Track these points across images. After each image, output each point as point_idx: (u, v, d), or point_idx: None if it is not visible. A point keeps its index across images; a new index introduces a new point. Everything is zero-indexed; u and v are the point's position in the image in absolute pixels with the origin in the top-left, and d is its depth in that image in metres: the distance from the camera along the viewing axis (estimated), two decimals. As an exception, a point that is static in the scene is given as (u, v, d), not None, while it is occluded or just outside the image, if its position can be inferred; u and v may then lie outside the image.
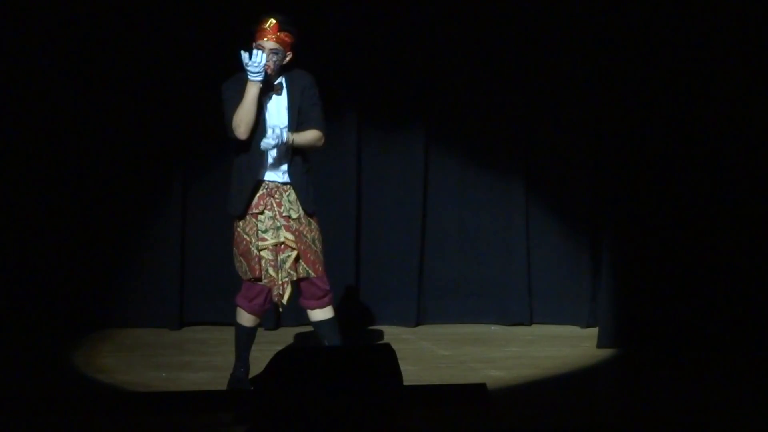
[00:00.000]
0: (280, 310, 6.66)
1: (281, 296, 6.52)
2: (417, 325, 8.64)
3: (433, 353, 7.80)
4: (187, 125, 8.44)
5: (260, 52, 6.36)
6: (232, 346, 6.68)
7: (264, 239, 6.50)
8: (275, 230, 6.51)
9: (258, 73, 6.36)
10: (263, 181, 6.52)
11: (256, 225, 6.51)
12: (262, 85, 6.44)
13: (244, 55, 6.37)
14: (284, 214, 6.51)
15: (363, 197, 8.67)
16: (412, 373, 6.87)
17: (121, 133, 8.46)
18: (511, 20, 8.53)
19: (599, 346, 7.77)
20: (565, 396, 6.71)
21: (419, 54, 8.56)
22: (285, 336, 8.30)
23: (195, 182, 8.51)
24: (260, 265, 6.49)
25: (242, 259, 6.55)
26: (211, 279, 8.43)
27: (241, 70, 6.44)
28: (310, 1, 8.49)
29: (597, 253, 8.22)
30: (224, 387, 6.61)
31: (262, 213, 6.50)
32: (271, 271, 6.50)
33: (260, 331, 8.16)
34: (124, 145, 8.47)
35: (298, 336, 8.25)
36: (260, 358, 6.62)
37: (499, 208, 8.66)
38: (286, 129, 6.44)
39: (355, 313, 8.62)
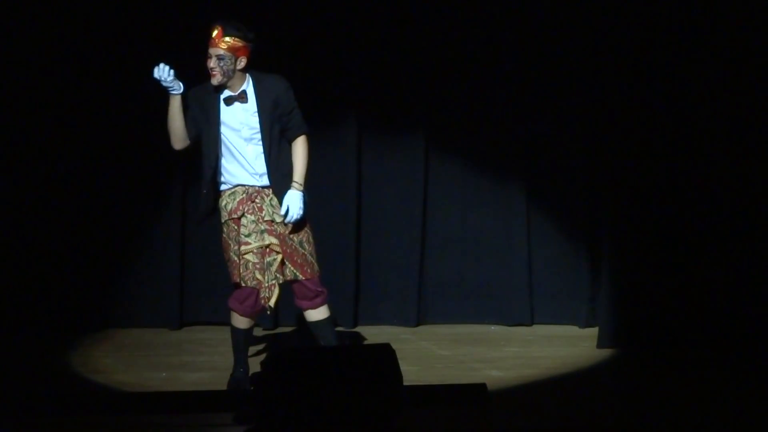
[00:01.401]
0: (268, 312, 6.66)
1: (268, 299, 6.52)
2: (417, 325, 8.64)
3: (433, 353, 7.80)
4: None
5: (165, 66, 6.41)
6: (232, 351, 6.69)
7: (247, 243, 6.49)
8: (259, 234, 6.51)
9: (171, 87, 6.43)
10: (242, 185, 6.54)
11: (237, 230, 6.51)
12: (227, 93, 6.50)
13: (160, 69, 6.42)
14: (266, 219, 6.51)
15: (363, 198, 8.66)
16: (412, 373, 6.86)
17: (121, 133, 8.46)
18: (511, 24, 8.52)
19: (599, 346, 7.77)
20: (565, 396, 6.70)
21: (419, 57, 8.56)
22: (285, 336, 8.30)
23: (195, 182, 8.49)
24: (240, 269, 6.49)
25: (228, 264, 6.57)
26: (211, 279, 8.43)
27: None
28: (310, 5, 8.49)
29: (596, 254, 8.22)
30: (224, 387, 6.61)
31: (243, 217, 6.51)
32: (257, 274, 6.49)
33: (260, 331, 8.20)
34: (124, 145, 8.47)
35: (297, 336, 8.25)
36: (260, 358, 6.62)
37: (499, 209, 8.66)
38: (302, 193, 6.52)
39: (355, 313, 8.63)
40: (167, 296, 8.54)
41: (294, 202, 6.50)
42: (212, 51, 6.48)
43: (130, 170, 8.48)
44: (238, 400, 6.23)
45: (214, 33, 6.48)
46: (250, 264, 6.49)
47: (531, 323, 8.60)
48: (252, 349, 6.70)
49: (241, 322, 6.61)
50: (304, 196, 6.53)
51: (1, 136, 8.31)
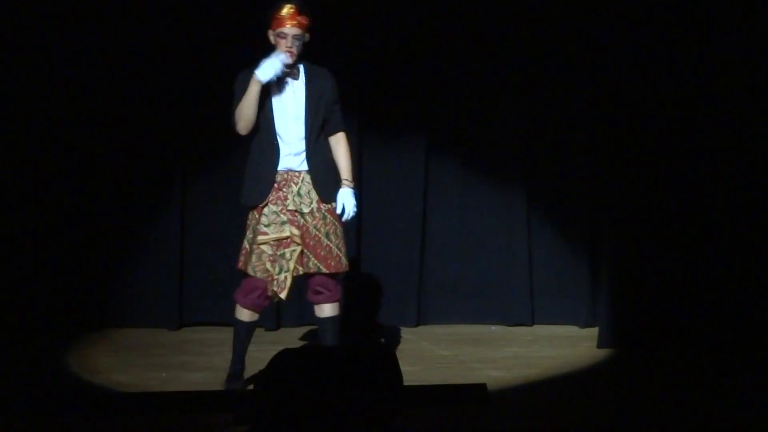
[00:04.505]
0: (275, 300, 6.62)
1: (277, 292, 6.48)
2: (417, 325, 8.63)
3: (433, 353, 7.79)
4: (186, 125, 8.43)
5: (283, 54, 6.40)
6: (231, 346, 6.68)
7: (265, 233, 6.46)
8: (279, 225, 6.47)
9: (269, 72, 6.39)
10: (277, 171, 6.51)
11: (258, 219, 6.49)
12: (282, 72, 6.48)
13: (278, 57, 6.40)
14: (290, 209, 6.48)
15: (363, 198, 8.63)
16: (412, 373, 6.86)
17: (120, 132, 8.44)
18: (513, 26, 8.51)
19: (599, 346, 7.77)
20: (565, 396, 6.70)
21: (420, 58, 8.55)
22: (285, 336, 8.29)
23: (194, 182, 8.50)
24: (247, 258, 6.47)
25: (241, 250, 6.57)
26: (210, 279, 8.42)
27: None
28: (310, 6, 8.49)
29: (597, 254, 8.22)
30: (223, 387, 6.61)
31: (266, 206, 6.49)
32: (268, 265, 6.46)
33: (261, 331, 8.18)
34: (124, 144, 8.45)
35: (298, 336, 8.24)
36: (261, 358, 6.60)
37: (499, 209, 8.65)
38: (354, 190, 6.60)
39: (355, 313, 8.62)
40: (167, 296, 8.52)
41: (348, 200, 6.57)
42: (289, 30, 6.45)
43: (130, 170, 8.47)
44: (238, 400, 6.23)
45: (290, 11, 6.46)
46: (264, 255, 6.46)
47: (531, 323, 8.59)
48: (253, 349, 6.68)
49: (243, 314, 6.57)
50: (355, 193, 6.60)
51: (0, 137, 8.31)
